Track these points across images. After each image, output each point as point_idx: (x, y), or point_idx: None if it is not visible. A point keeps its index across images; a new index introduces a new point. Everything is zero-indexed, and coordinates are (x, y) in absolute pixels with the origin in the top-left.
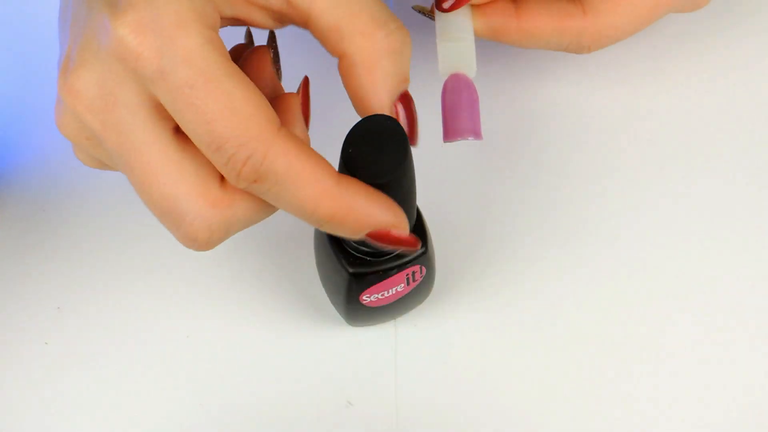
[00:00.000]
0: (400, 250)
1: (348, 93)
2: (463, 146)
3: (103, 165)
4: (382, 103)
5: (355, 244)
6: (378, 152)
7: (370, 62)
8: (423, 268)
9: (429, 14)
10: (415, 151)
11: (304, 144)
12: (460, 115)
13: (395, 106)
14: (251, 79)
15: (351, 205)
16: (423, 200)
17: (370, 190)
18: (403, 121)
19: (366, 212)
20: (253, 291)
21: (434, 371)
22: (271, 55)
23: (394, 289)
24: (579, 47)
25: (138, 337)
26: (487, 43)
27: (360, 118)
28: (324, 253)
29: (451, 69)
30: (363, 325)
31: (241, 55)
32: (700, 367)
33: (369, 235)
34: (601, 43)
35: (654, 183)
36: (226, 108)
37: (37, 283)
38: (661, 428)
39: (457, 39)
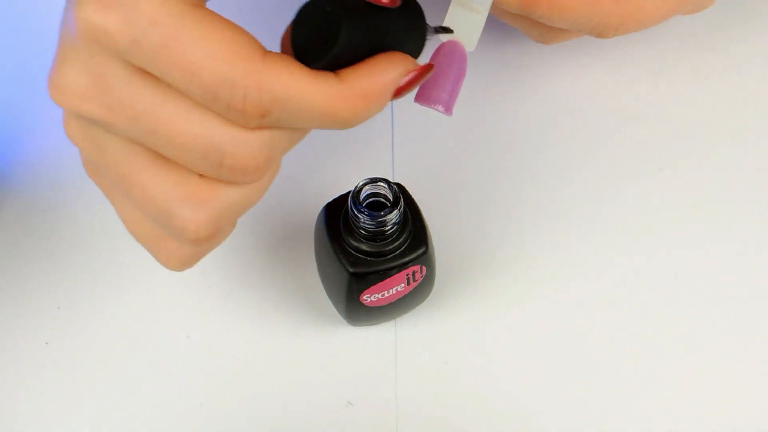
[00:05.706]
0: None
1: None
2: (464, 147)
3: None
4: None
5: (355, 244)
6: (318, 36)
7: None
8: (423, 268)
9: None
10: (419, 151)
11: (293, 60)
12: (441, 83)
13: None
14: None
15: (363, 92)
16: (423, 200)
17: (365, 64)
18: None
19: (379, 86)
20: (253, 291)
21: (434, 371)
22: None
23: (394, 289)
24: (606, 28)
25: (138, 336)
26: (491, 42)
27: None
28: (324, 253)
29: (453, 35)
30: (363, 325)
31: None
32: (699, 367)
33: (396, 95)
34: (628, 26)
35: (655, 183)
36: (205, 55)
37: (37, 283)
38: (661, 428)
39: (471, 9)
